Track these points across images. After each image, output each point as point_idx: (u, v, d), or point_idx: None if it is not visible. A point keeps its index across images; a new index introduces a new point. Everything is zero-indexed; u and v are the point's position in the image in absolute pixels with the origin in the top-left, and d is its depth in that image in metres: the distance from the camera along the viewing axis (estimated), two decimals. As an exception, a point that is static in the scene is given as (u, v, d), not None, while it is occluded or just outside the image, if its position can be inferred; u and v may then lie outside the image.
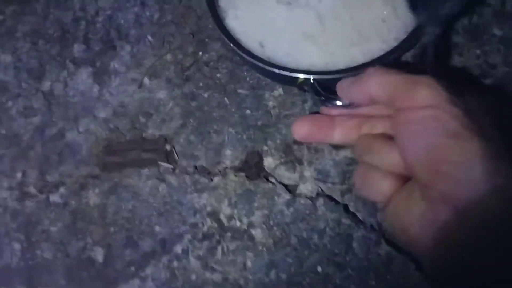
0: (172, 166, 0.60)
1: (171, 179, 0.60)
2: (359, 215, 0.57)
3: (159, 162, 0.61)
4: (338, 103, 0.49)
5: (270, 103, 0.62)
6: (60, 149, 0.63)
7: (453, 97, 0.39)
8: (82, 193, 0.60)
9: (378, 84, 0.43)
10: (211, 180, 0.59)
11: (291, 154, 0.60)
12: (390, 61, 0.55)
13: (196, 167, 0.60)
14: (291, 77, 0.55)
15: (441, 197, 0.38)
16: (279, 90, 0.62)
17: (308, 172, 0.59)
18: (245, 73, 0.64)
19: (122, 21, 0.68)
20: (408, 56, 0.60)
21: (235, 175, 0.59)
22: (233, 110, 0.62)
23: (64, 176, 0.62)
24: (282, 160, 0.60)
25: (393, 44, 0.56)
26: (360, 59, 0.56)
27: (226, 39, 0.57)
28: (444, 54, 0.62)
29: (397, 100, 0.41)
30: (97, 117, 0.63)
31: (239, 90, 0.63)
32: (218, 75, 0.64)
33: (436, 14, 0.52)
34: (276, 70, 0.55)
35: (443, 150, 0.38)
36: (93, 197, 0.60)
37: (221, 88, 0.64)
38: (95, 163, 0.62)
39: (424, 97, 0.39)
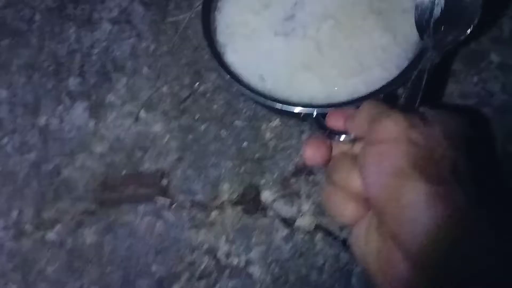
0: (169, 201, 0.60)
1: (168, 215, 0.59)
2: (358, 249, 0.56)
3: (156, 198, 0.60)
4: (342, 137, 0.48)
5: (267, 135, 0.62)
6: (56, 186, 0.62)
7: (414, 133, 0.38)
8: (78, 231, 0.60)
9: (364, 118, 0.43)
10: (209, 215, 0.59)
11: (288, 187, 0.59)
12: (393, 90, 0.54)
13: (193, 202, 0.60)
14: (293, 112, 0.53)
15: (392, 237, 0.37)
16: (276, 121, 0.62)
17: (306, 206, 0.58)
18: (242, 104, 0.64)
19: (118, 53, 0.68)
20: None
21: (233, 210, 0.59)
22: (230, 142, 0.62)
23: (60, 213, 0.61)
24: (280, 193, 0.59)
25: (395, 72, 0.55)
26: (362, 89, 0.55)
27: (226, 74, 0.56)
28: (439, 82, 0.61)
29: (367, 133, 0.41)
30: (93, 152, 0.63)
31: (236, 122, 0.63)
32: (214, 106, 0.64)
33: (443, 40, 0.51)
34: (278, 106, 0.53)
35: (390, 189, 0.37)
36: (89, 235, 0.59)
37: (218, 120, 0.63)
38: (92, 199, 0.61)
39: (384, 131, 0.39)
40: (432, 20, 0.53)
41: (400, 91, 0.59)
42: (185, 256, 0.58)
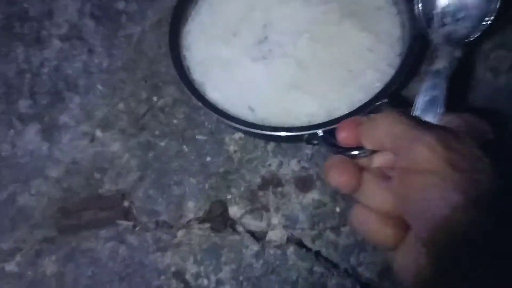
0: (131, 224, 0.57)
1: (131, 238, 0.56)
2: (332, 259, 0.54)
3: (118, 221, 0.57)
4: (355, 152, 0.43)
5: (231, 148, 0.60)
6: (13, 214, 0.59)
7: (453, 156, 0.34)
8: (38, 261, 0.56)
9: (386, 135, 0.39)
10: (174, 236, 0.56)
11: (257, 201, 0.57)
12: (395, 91, 0.51)
13: (157, 223, 0.57)
14: (296, 136, 0.51)
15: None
16: (240, 133, 0.60)
17: (276, 219, 0.56)
18: (203, 117, 0.61)
19: (69, 71, 0.65)
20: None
21: (200, 228, 0.56)
22: (192, 158, 0.60)
23: (19, 242, 0.58)
24: (248, 208, 0.57)
25: (388, 71, 0.53)
26: (359, 97, 0.52)
27: (215, 114, 0.53)
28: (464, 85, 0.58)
29: (398, 158, 0.38)
30: (49, 177, 0.60)
31: (198, 136, 0.60)
32: (174, 121, 0.62)
33: (453, 34, 0.46)
34: (282, 134, 0.50)
35: (443, 224, 0.34)
36: (50, 265, 0.56)
37: (178, 135, 0.61)
38: (50, 227, 0.58)
39: (422, 160, 0.35)
40: (439, 10, 0.48)
41: (408, 92, 0.58)
42: (152, 281, 0.55)
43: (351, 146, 0.43)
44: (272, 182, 0.58)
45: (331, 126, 0.48)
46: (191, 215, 0.57)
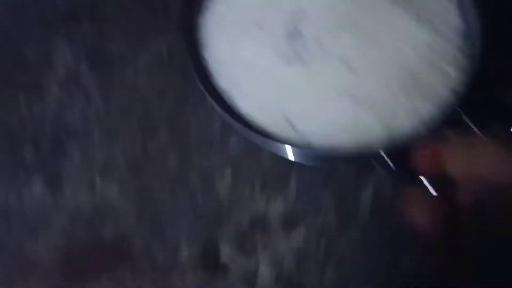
0: (131, 267, 0.60)
1: (131, 282, 0.60)
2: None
3: (118, 265, 0.61)
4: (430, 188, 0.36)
5: (221, 186, 0.62)
6: (22, 264, 0.63)
7: None
8: (46, 312, 0.60)
9: (495, 170, 0.33)
10: (170, 278, 0.59)
11: (246, 241, 0.59)
12: (472, 101, 0.42)
13: (154, 266, 0.60)
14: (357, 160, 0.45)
15: None
16: (228, 171, 0.62)
17: (264, 259, 0.58)
18: (194, 155, 0.63)
19: (69, 118, 0.68)
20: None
21: (193, 270, 0.59)
22: (185, 198, 0.62)
23: (28, 292, 0.62)
24: (238, 248, 0.59)
25: (455, 73, 0.44)
26: (426, 107, 0.44)
27: (254, 134, 0.46)
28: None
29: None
30: (53, 224, 0.63)
31: (190, 176, 0.63)
32: (168, 161, 0.64)
33: None
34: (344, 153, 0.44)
35: None
36: (57, 316, 0.60)
37: (172, 176, 0.63)
38: (57, 275, 0.62)
39: None
40: None
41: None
42: (148, 327, 0.58)
43: (429, 173, 0.36)
44: (259, 221, 0.59)
45: (403, 147, 0.40)
46: (184, 258, 0.60)
